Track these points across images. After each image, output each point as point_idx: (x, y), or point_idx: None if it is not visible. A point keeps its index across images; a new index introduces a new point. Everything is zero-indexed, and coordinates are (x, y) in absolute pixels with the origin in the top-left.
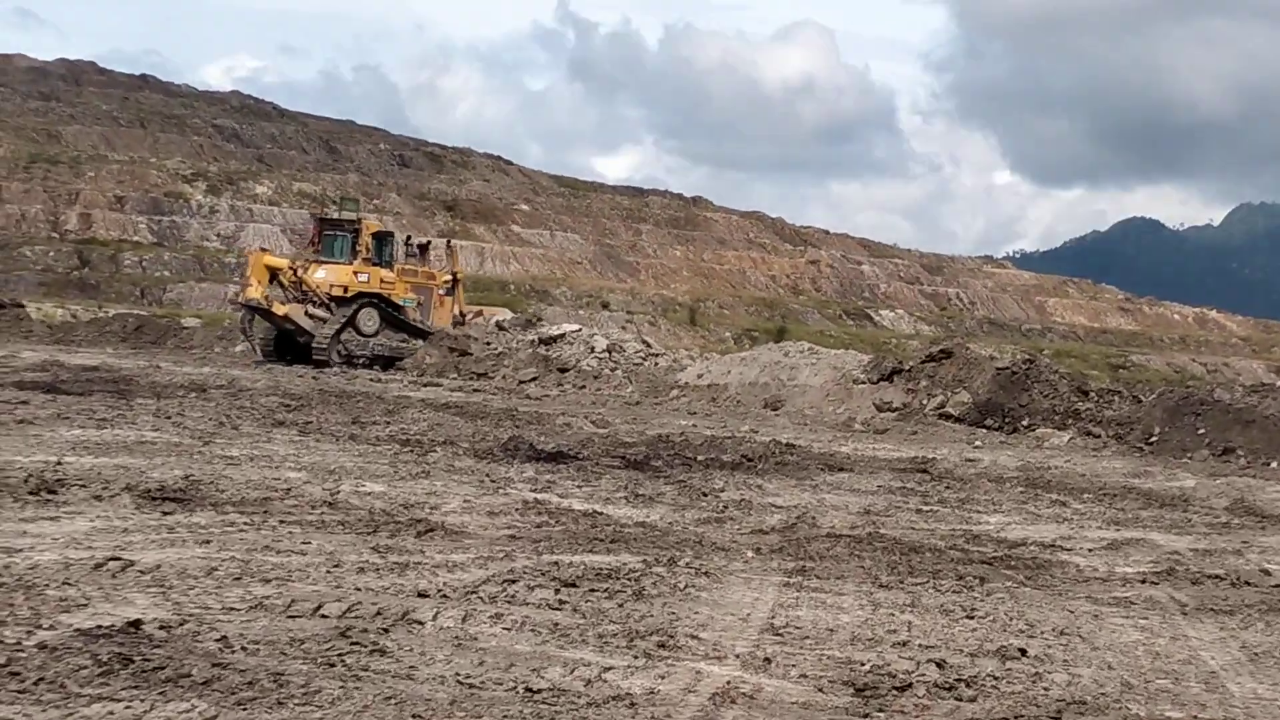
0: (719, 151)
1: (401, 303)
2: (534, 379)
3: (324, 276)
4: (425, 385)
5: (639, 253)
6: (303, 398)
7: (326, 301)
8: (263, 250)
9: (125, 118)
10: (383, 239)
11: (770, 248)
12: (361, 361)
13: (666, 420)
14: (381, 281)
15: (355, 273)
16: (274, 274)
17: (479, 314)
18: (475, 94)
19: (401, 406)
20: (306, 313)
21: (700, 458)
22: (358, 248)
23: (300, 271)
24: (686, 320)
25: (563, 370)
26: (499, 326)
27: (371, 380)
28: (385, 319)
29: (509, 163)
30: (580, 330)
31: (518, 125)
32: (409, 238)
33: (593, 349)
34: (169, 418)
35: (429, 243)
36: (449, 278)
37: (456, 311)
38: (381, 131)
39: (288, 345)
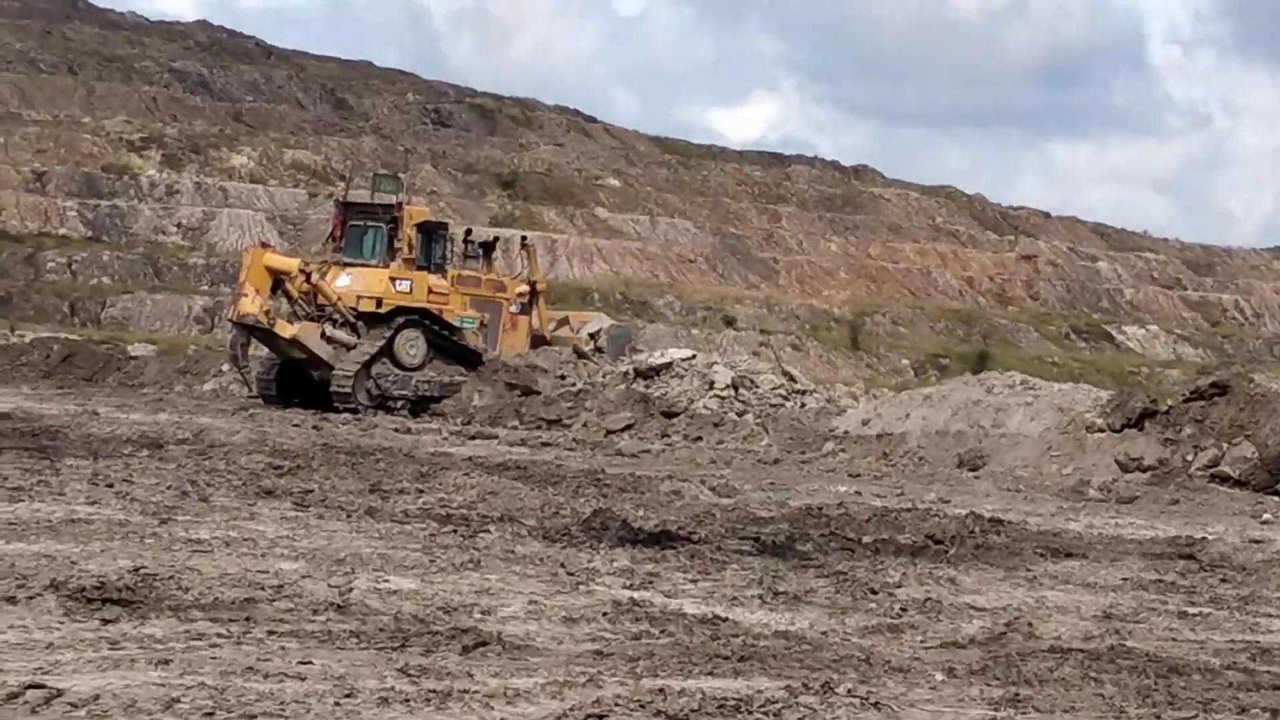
0: (890, 100)
1: (457, 323)
2: (628, 427)
3: (349, 284)
4: (473, 437)
5: (777, 246)
6: (300, 456)
7: (352, 319)
8: (263, 246)
9: (46, 60)
10: (432, 232)
11: (965, 237)
12: (401, 405)
13: (818, 485)
14: (430, 292)
15: (393, 279)
16: (278, 280)
17: (564, 322)
18: (542, 21)
19: (440, 468)
20: (324, 335)
21: (866, 539)
22: (397, 244)
23: (316, 277)
24: (846, 342)
25: (669, 415)
26: (578, 354)
27: (397, 431)
28: (434, 346)
29: (591, 119)
30: (694, 358)
31: (602, 66)
32: (469, 231)
33: (711, 384)
34: (111, 486)
35: (496, 240)
36: (525, 288)
37: (535, 332)
38: (409, 76)
39: (296, 380)
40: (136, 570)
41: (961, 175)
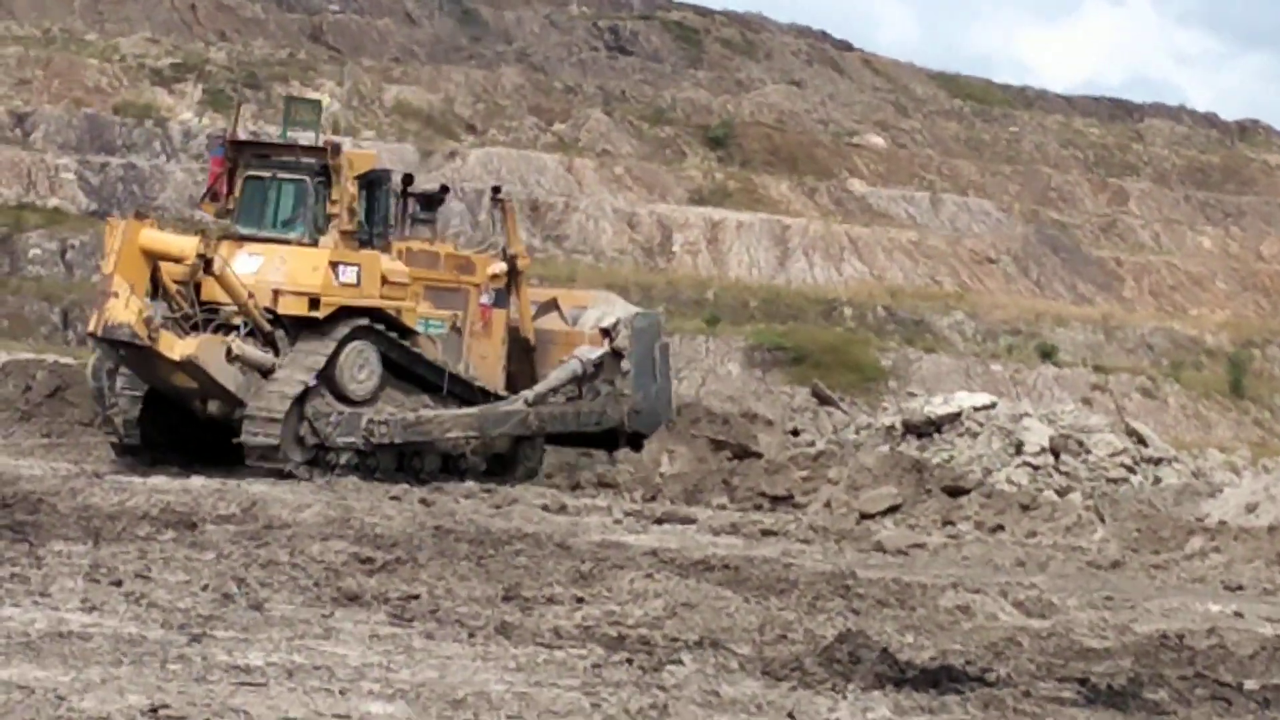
0: None
1: (421, 327)
2: (893, 509)
3: (257, 272)
4: (660, 521)
5: (1122, 240)
6: (400, 544)
7: (267, 327)
8: (139, 219)
9: None
10: (377, 188)
11: None
12: (344, 461)
13: (1177, 603)
14: (384, 282)
15: (334, 264)
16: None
17: (551, 308)
18: None
19: (609, 566)
20: (231, 354)
21: (1251, 684)
22: (332, 208)
23: (220, 264)
24: (1224, 386)
25: (955, 492)
26: (818, 396)
27: (545, 509)
28: (389, 365)
29: (844, 47)
30: (993, 407)
31: None
32: (408, 179)
33: (1020, 447)
34: (119, 584)
35: (446, 191)
36: (500, 267)
37: (515, 332)
38: None
39: (179, 423)
40: (154, 711)
41: None
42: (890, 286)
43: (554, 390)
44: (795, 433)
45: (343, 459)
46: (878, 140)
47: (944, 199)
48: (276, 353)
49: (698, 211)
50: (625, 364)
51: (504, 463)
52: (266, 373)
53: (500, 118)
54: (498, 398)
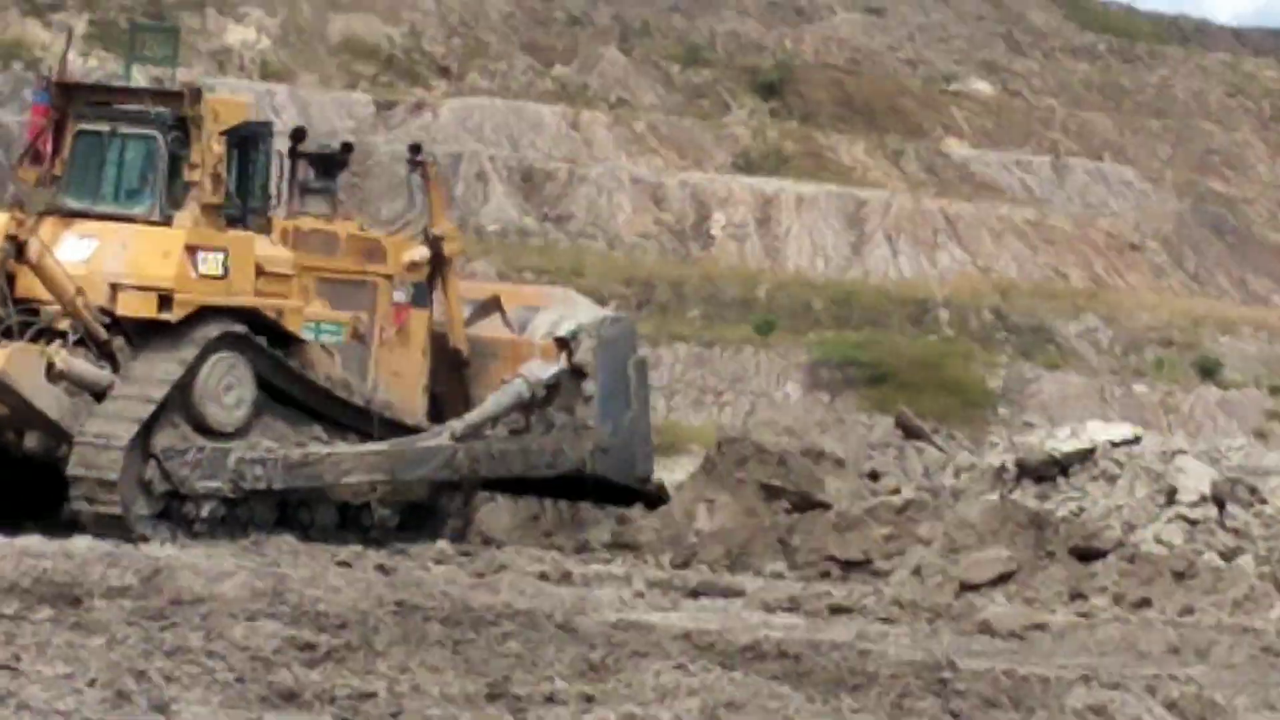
0: None
1: (312, 333)
2: (1004, 578)
3: (91, 258)
4: (695, 593)
5: None
6: (351, 624)
7: (102, 333)
8: None
9: None
10: (253, 147)
11: None
12: (207, 514)
13: None
14: (261, 273)
15: (192, 249)
16: None
17: (490, 309)
18: None
19: (629, 653)
20: (53, 370)
21: None
22: (191, 173)
23: (38, 248)
24: None
25: (1085, 556)
26: (906, 430)
27: (542, 579)
28: (264, 384)
29: None
30: (1137, 441)
31: None
32: (299, 134)
33: (1173, 495)
34: None
35: (349, 149)
36: (421, 253)
37: (442, 339)
38: None
39: None
40: None
41: None
42: (1000, 282)
43: (492, 420)
44: (874, 476)
45: (204, 511)
46: (983, 87)
47: (1071, 165)
48: (115, 368)
49: (745, 182)
50: (588, 385)
51: (422, 516)
52: (100, 395)
53: (483, 58)
54: (415, 429)
